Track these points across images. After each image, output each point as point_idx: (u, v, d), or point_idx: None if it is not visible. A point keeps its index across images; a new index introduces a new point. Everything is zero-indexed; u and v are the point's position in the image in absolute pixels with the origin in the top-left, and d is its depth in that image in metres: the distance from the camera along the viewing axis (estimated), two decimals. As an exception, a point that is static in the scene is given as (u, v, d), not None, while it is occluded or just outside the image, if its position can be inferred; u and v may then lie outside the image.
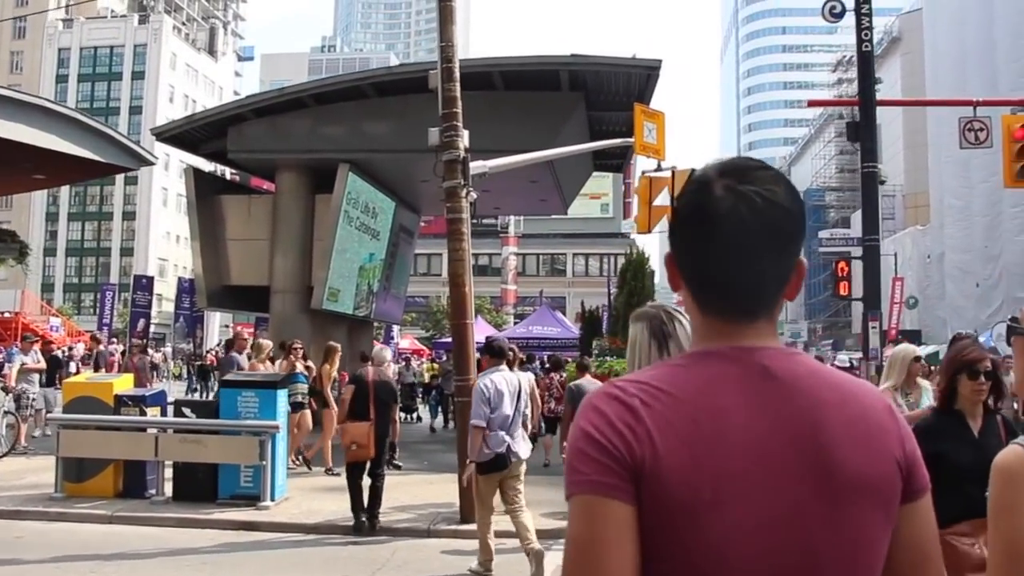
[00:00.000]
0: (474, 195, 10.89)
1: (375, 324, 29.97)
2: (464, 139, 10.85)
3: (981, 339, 39.94)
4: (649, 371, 1.56)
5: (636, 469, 1.43)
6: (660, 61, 18.89)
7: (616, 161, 27.23)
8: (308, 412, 14.44)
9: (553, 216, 68.62)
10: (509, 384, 8.46)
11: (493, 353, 8.71)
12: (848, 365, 27.37)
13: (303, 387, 14.40)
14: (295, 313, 20.82)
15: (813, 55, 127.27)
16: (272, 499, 11.25)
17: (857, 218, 75.37)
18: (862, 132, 19.43)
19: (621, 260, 69.27)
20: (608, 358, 14.87)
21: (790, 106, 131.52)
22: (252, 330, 33.21)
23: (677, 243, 1.59)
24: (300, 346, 14.77)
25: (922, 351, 19.95)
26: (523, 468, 8.70)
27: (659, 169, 13.79)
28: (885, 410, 1.56)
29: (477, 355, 10.59)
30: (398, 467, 12.80)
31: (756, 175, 1.55)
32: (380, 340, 31.63)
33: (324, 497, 12.04)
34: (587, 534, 1.43)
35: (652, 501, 1.43)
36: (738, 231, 1.50)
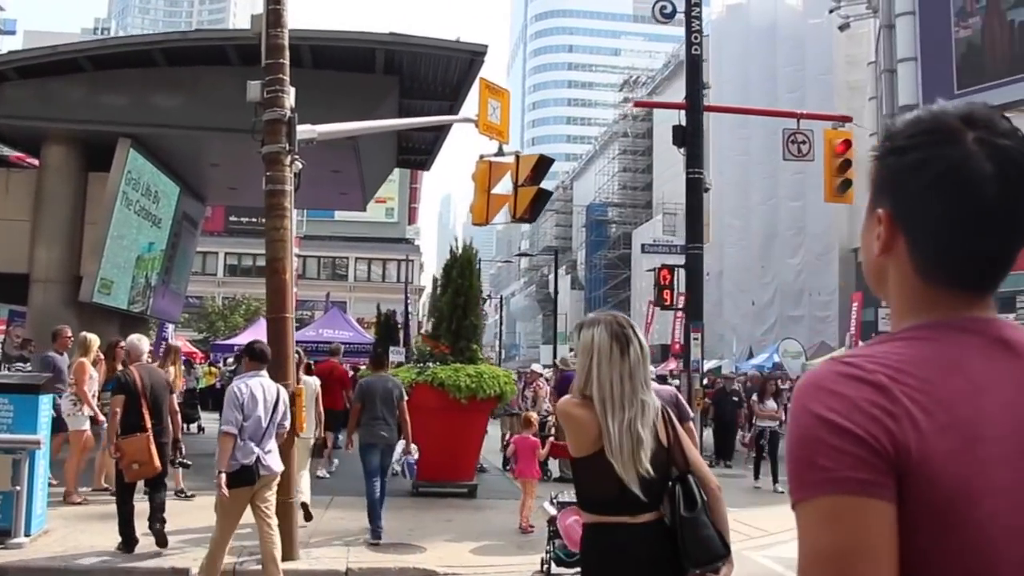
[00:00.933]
0: (299, 164, 8.99)
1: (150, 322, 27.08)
2: (290, 97, 8.94)
3: (764, 355, 40.73)
4: (876, 345, 1.38)
5: (900, 461, 1.24)
6: (486, 47, 17.44)
7: (421, 157, 25.68)
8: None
9: (336, 218, 66.79)
10: (266, 392, 7.77)
11: (253, 356, 8.03)
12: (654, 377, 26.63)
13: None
14: (59, 306, 17.97)
15: (597, 74, 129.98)
16: (27, 534, 8.90)
17: (639, 233, 76.97)
18: (688, 137, 18.73)
19: (404, 266, 69.20)
20: (431, 364, 13.14)
21: (572, 123, 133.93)
22: (3, 327, 29.54)
23: (907, 201, 1.39)
24: (124, 346, 12.50)
25: (705, 365, 19.32)
26: (276, 484, 7.83)
27: (500, 153, 12.28)
28: None
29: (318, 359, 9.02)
30: (187, 466, 10.80)
31: (1006, 127, 1.36)
32: (152, 340, 28.72)
33: (96, 528, 9.73)
34: (845, 545, 1.22)
35: (917, 497, 1.25)
36: (1006, 199, 1.32)
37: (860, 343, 31.47)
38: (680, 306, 19.23)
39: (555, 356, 44.02)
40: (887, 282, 1.47)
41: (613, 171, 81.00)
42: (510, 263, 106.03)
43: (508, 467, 15.78)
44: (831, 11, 49.35)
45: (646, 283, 72.54)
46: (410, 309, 38.87)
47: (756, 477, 16.09)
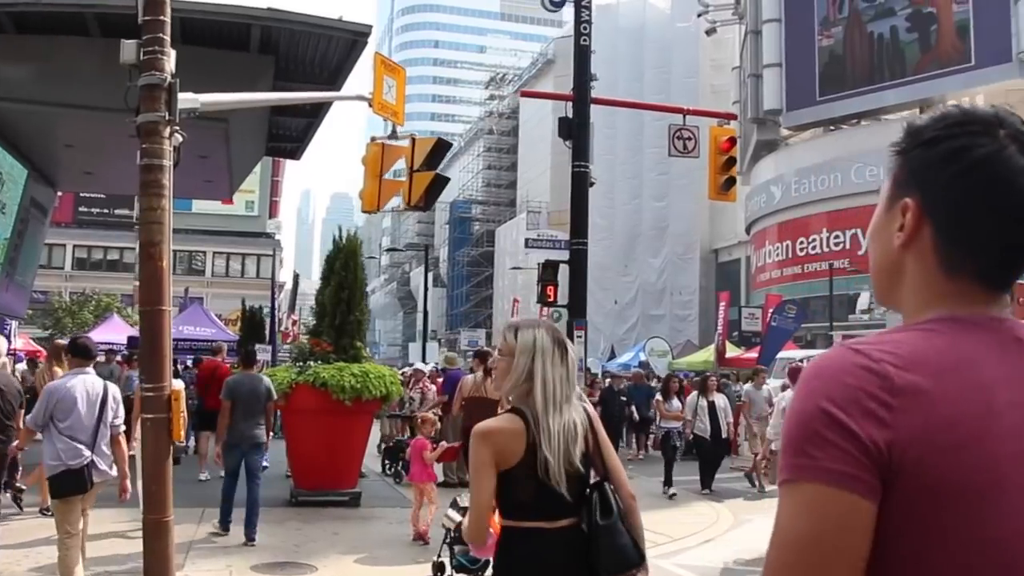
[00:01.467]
0: (180, 137, 7.92)
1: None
2: (171, 60, 7.86)
3: (630, 355, 40.83)
4: (893, 334, 1.37)
5: (892, 459, 1.24)
6: (369, 27, 16.43)
7: (292, 145, 24.40)
8: None
9: (194, 211, 64.13)
10: (90, 390, 7.12)
11: (76, 352, 7.40)
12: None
13: None
14: None
15: (463, 71, 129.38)
16: None
17: (503, 232, 76.64)
18: (575, 130, 18.19)
19: (264, 261, 67.07)
20: (312, 362, 12.15)
21: (436, 119, 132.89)
22: None
23: (937, 190, 1.39)
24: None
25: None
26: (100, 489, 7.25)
27: (394, 136, 11.41)
28: None
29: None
30: (20, 491, 9.70)
31: None
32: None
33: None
34: (814, 532, 1.25)
35: (913, 494, 1.24)
36: None
37: (727, 342, 31.29)
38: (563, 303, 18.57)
39: (424, 355, 43.17)
40: (903, 279, 1.45)
41: (477, 168, 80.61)
42: (373, 259, 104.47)
43: (390, 471, 14.87)
44: (699, 15, 50.00)
45: (509, 281, 72.46)
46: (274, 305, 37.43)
47: (668, 484, 14.78)
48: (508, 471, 3.34)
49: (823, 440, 1.24)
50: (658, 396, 17.08)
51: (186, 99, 7.92)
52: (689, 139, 19.12)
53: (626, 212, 59.04)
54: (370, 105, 10.78)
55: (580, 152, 17.95)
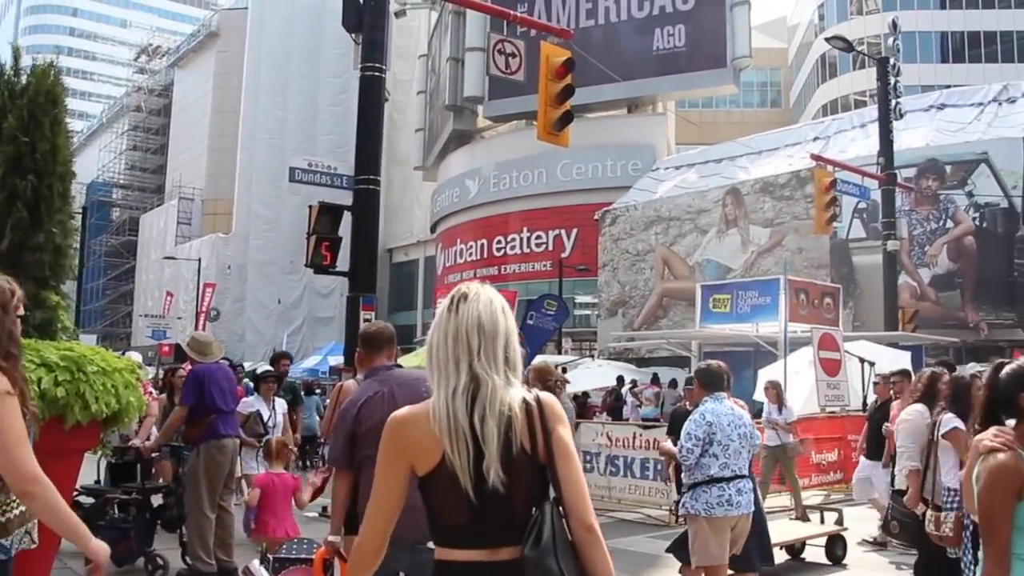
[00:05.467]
0: None
1: None
2: None
3: (316, 359, 34.40)
4: None
5: None
6: None
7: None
8: None
9: None
10: None
11: None
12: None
13: None
14: None
15: (101, 45, 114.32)
16: None
17: (149, 219, 66.63)
18: (367, 16, 11.94)
19: None
20: None
21: (72, 96, 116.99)
22: None
23: None
24: None
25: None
26: None
27: None
28: None
29: None
30: None
31: None
32: None
33: None
34: None
35: None
36: None
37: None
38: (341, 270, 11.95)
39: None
40: None
41: (121, 148, 69.70)
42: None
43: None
44: (391, -7, 44.82)
45: (155, 274, 62.61)
46: None
47: None
48: (429, 476, 2.31)
49: None
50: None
51: None
52: (513, 56, 13.37)
53: (295, 204, 52.19)
54: None
55: (372, 48, 11.65)
